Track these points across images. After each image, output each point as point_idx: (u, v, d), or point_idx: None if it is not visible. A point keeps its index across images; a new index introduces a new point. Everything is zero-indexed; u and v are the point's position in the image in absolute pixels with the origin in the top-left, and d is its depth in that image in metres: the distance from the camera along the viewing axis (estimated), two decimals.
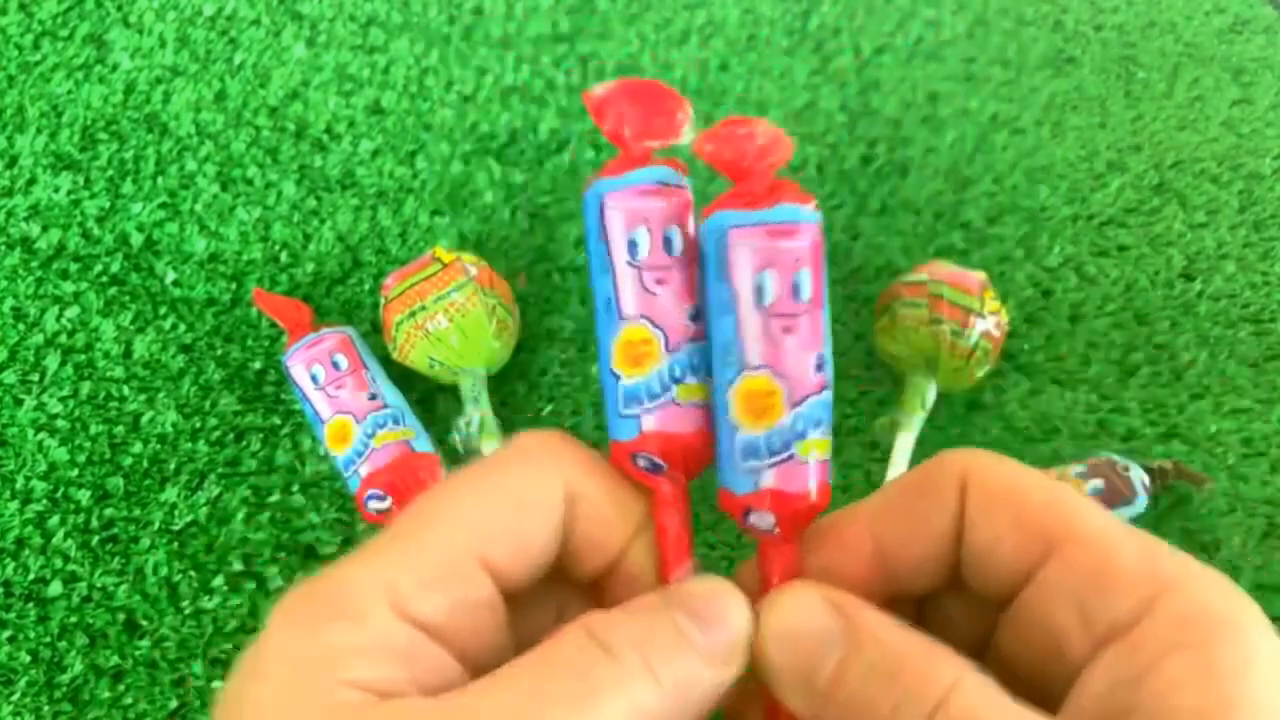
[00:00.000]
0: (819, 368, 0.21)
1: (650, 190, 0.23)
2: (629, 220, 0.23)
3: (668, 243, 0.23)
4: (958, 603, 0.23)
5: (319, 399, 0.40)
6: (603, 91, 0.25)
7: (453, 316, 0.41)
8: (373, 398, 0.40)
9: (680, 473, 0.22)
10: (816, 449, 0.22)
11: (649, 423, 0.22)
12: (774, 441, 0.21)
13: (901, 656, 0.19)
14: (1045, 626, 0.20)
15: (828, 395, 0.22)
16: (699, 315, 0.23)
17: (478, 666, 0.20)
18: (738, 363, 0.21)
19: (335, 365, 0.40)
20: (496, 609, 0.21)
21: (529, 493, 0.21)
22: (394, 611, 0.19)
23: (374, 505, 0.38)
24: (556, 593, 0.23)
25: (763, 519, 0.22)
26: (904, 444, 0.41)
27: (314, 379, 0.40)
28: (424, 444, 0.39)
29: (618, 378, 0.22)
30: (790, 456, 0.21)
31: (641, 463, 0.22)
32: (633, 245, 0.23)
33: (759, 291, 0.21)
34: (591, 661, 0.19)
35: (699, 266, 0.22)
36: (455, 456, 0.42)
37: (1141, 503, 0.39)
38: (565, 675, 0.18)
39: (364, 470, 0.38)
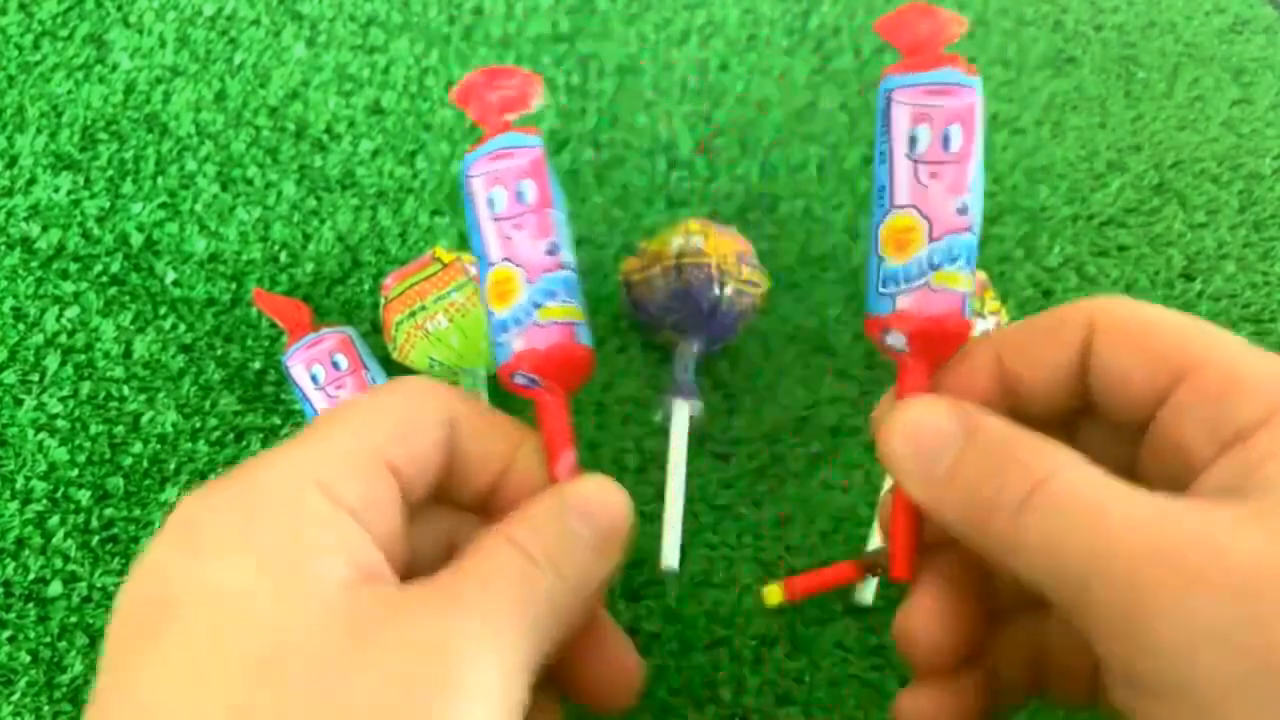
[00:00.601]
0: (962, 211, 0.25)
1: (502, 154, 0.28)
2: (487, 183, 0.28)
3: (519, 195, 0.28)
4: (1097, 432, 0.25)
5: (319, 399, 0.40)
6: (461, 84, 0.31)
7: (453, 316, 0.41)
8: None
9: (555, 383, 0.27)
10: (950, 281, 0.25)
11: (518, 344, 0.27)
12: (911, 270, 0.25)
13: (1011, 444, 0.21)
14: (1176, 445, 0.21)
15: (969, 237, 0.25)
16: (554, 249, 0.28)
17: (390, 562, 0.22)
18: (888, 202, 0.25)
19: (335, 365, 0.40)
20: (399, 510, 0.23)
21: (417, 409, 0.24)
22: (324, 494, 0.21)
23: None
24: (447, 516, 0.26)
25: (896, 339, 0.25)
26: None
27: (314, 379, 0.40)
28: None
29: (490, 313, 0.28)
30: (925, 284, 0.25)
31: (520, 380, 0.27)
32: (490, 202, 0.28)
33: (912, 142, 0.25)
34: (523, 569, 0.22)
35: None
36: None
37: None
38: (510, 580, 0.22)
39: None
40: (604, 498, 0.24)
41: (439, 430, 0.24)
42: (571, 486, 0.24)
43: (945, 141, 0.25)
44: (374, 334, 0.45)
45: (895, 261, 0.25)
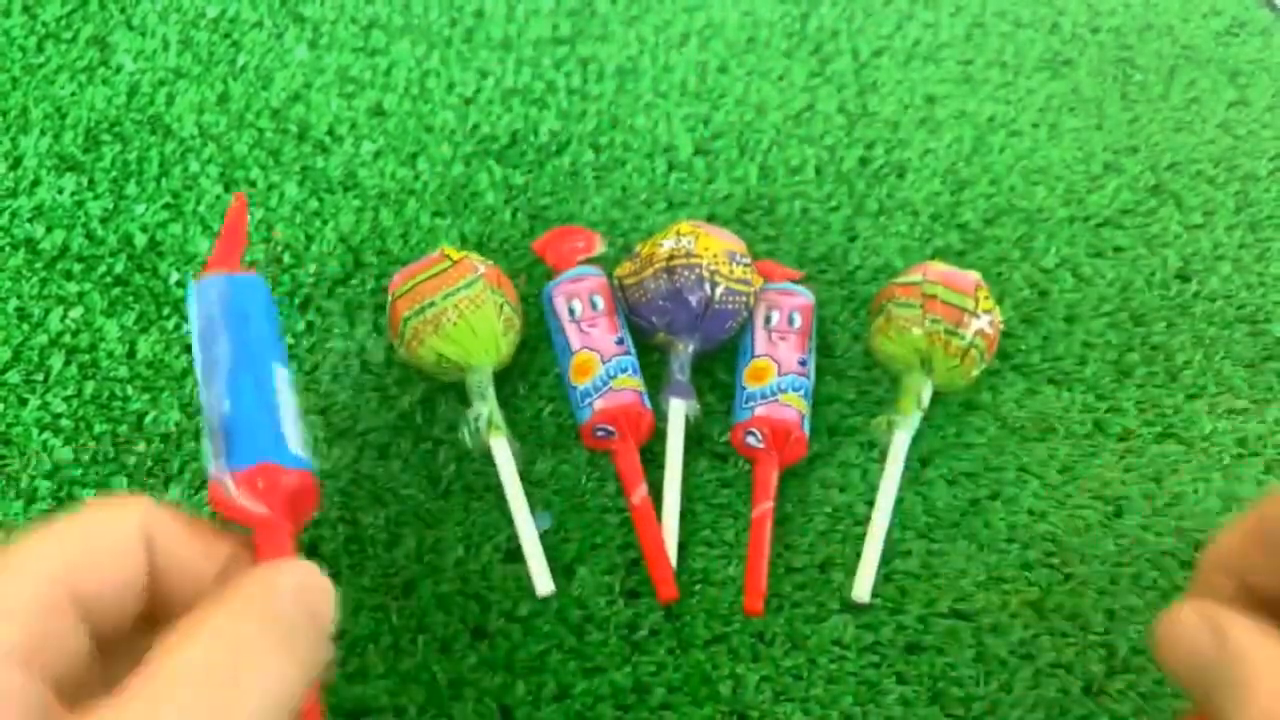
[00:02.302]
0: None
1: (576, 279, 0.44)
2: (567, 297, 0.44)
3: (592, 304, 0.43)
4: None
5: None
6: (540, 242, 0.47)
7: (463, 313, 0.41)
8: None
9: (626, 433, 0.36)
10: None
11: (599, 404, 0.40)
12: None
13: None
14: None
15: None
16: (621, 341, 0.43)
17: (75, 700, 0.20)
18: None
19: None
20: (80, 641, 0.21)
21: (102, 528, 0.22)
22: None
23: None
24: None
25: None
26: (900, 443, 0.42)
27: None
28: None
29: (573, 388, 0.37)
30: None
31: (599, 433, 0.37)
32: (570, 310, 0.43)
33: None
34: (202, 670, 0.19)
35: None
36: (463, 453, 0.42)
37: None
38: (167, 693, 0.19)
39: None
40: (305, 574, 0.22)
41: (130, 549, 0.22)
42: (273, 566, 0.22)
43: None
44: (375, 335, 0.45)
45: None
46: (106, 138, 0.51)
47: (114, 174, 0.50)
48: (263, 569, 0.22)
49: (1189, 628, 0.24)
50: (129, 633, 0.23)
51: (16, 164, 0.50)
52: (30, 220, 0.48)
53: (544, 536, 0.40)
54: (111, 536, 0.22)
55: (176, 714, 0.18)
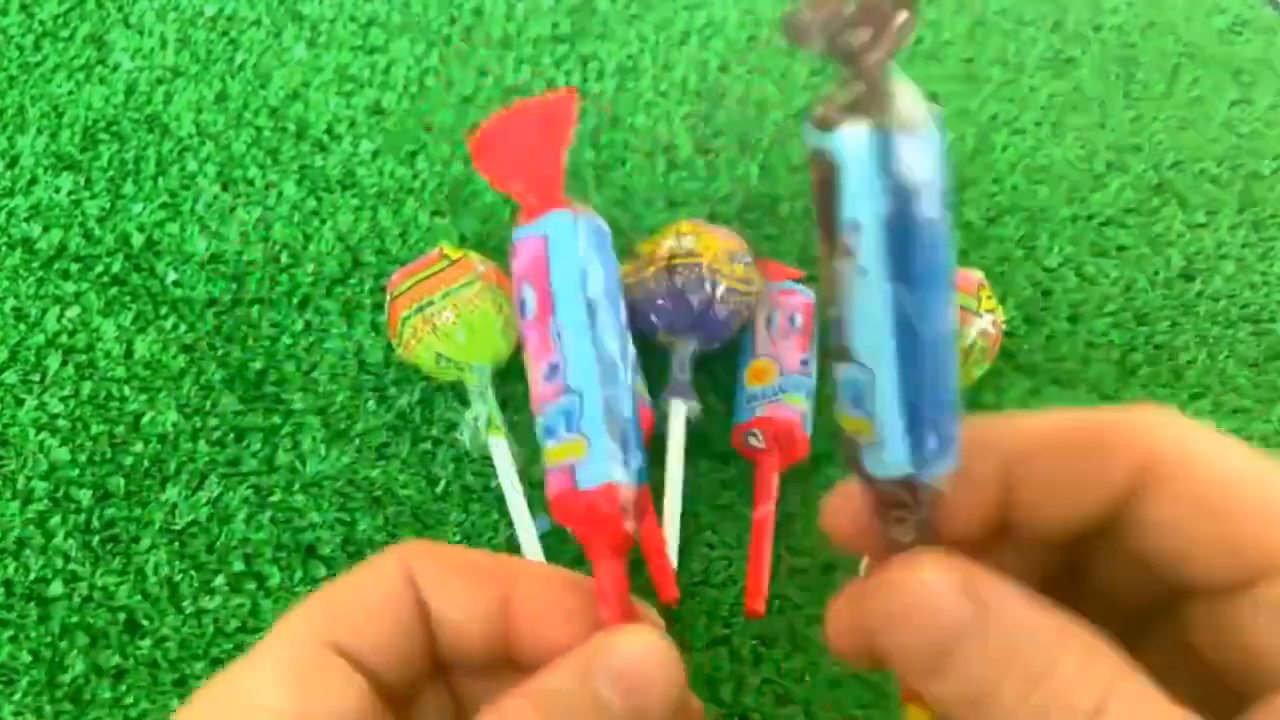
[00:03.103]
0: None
1: None
2: None
3: None
4: (1116, 564, 0.20)
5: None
6: None
7: (461, 312, 0.41)
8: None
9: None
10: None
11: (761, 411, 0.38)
12: None
13: (1042, 651, 0.16)
14: (1242, 640, 0.17)
15: None
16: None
17: None
18: None
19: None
20: (364, 698, 0.20)
21: (364, 578, 0.21)
22: (251, 711, 0.19)
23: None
24: (476, 684, 0.22)
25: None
26: None
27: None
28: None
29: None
30: None
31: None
32: None
33: None
34: None
35: None
36: (462, 453, 0.42)
37: None
38: None
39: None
40: (645, 659, 0.19)
41: (402, 603, 0.21)
42: (605, 643, 0.19)
43: None
44: (375, 335, 0.45)
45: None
46: (104, 136, 0.51)
47: (111, 173, 0.50)
48: (582, 654, 0.19)
49: (932, 593, 0.17)
50: (425, 684, 0.22)
51: (13, 163, 0.49)
52: (27, 219, 0.48)
53: (544, 538, 0.39)
54: (376, 591, 0.21)
55: None
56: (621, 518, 0.20)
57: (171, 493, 0.40)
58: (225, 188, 0.50)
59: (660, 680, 0.19)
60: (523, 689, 0.19)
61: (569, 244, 0.20)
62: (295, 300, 0.46)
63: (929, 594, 0.17)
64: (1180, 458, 0.18)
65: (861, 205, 0.15)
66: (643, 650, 0.19)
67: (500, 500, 0.40)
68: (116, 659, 0.37)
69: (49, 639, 0.37)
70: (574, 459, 0.20)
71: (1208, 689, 0.17)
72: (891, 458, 0.17)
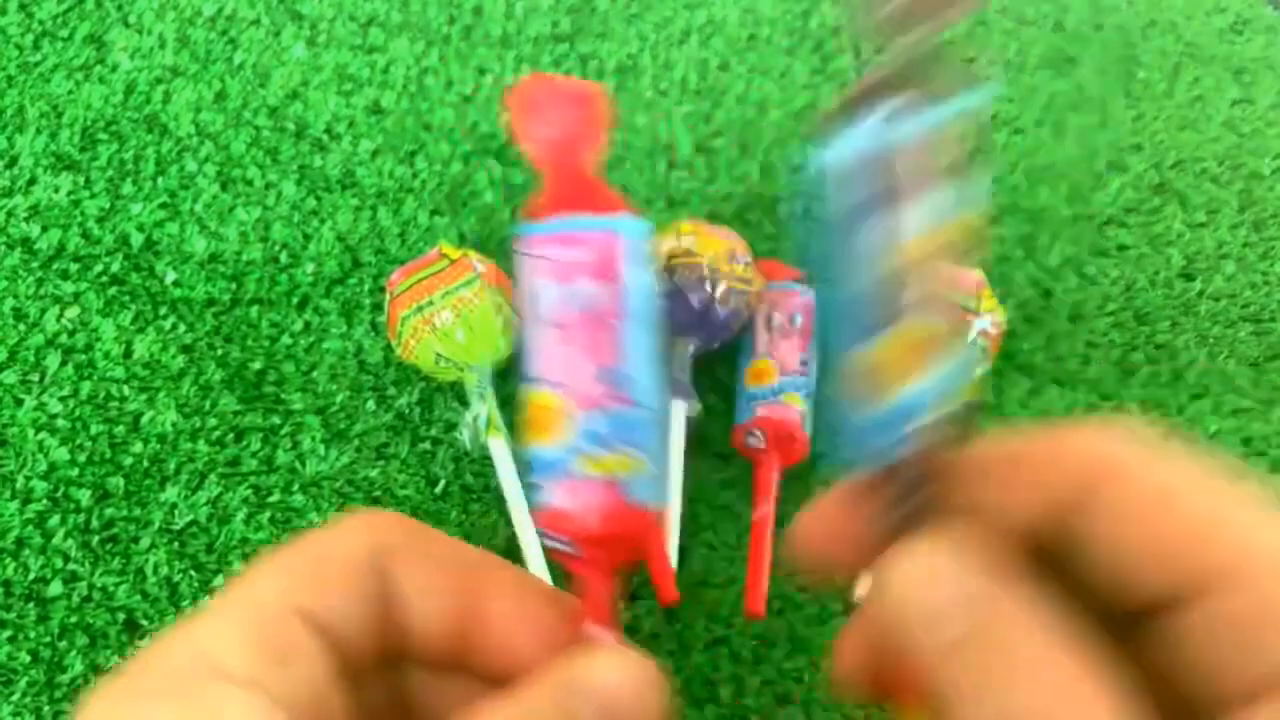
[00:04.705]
0: None
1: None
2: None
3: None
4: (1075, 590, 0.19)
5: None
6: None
7: (460, 312, 0.41)
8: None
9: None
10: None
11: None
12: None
13: (1023, 639, 0.16)
14: (1192, 658, 0.17)
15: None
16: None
17: None
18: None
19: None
20: (325, 669, 0.19)
21: (332, 547, 0.20)
22: (216, 677, 0.18)
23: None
24: (432, 678, 0.21)
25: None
26: None
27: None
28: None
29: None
30: None
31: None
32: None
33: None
34: None
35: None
36: (461, 453, 0.42)
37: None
38: None
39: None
40: (626, 681, 0.19)
41: (364, 568, 0.20)
42: (584, 666, 0.19)
43: None
44: (374, 335, 0.45)
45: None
46: (103, 136, 0.51)
47: (110, 173, 0.50)
48: (562, 675, 0.18)
49: (930, 571, 0.17)
50: (373, 670, 0.20)
51: (13, 163, 0.49)
52: (26, 219, 0.48)
53: (543, 538, 0.39)
54: (342, 555, 0.20)
55: None
56: (659, 541, 0.20)
57: (171, 493, 0.40)
58: (225, 188, 0.50)
59: (644, 710, 0.19)
60: (499, 705, 0.18)
61: (641, 251, 0.20)
62: (294, 300, 0.46)
63: (938, 566, 0.18)
64: (1120, 470, 0.17)
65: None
66: (626, 675, 0.19)
67: (500, 500, 0.40)
68: (116, 659, 0.37)
69: (48, 639, 0.37)
70: (624, 474, 0.20)
71: (1176, 714, 0.17)
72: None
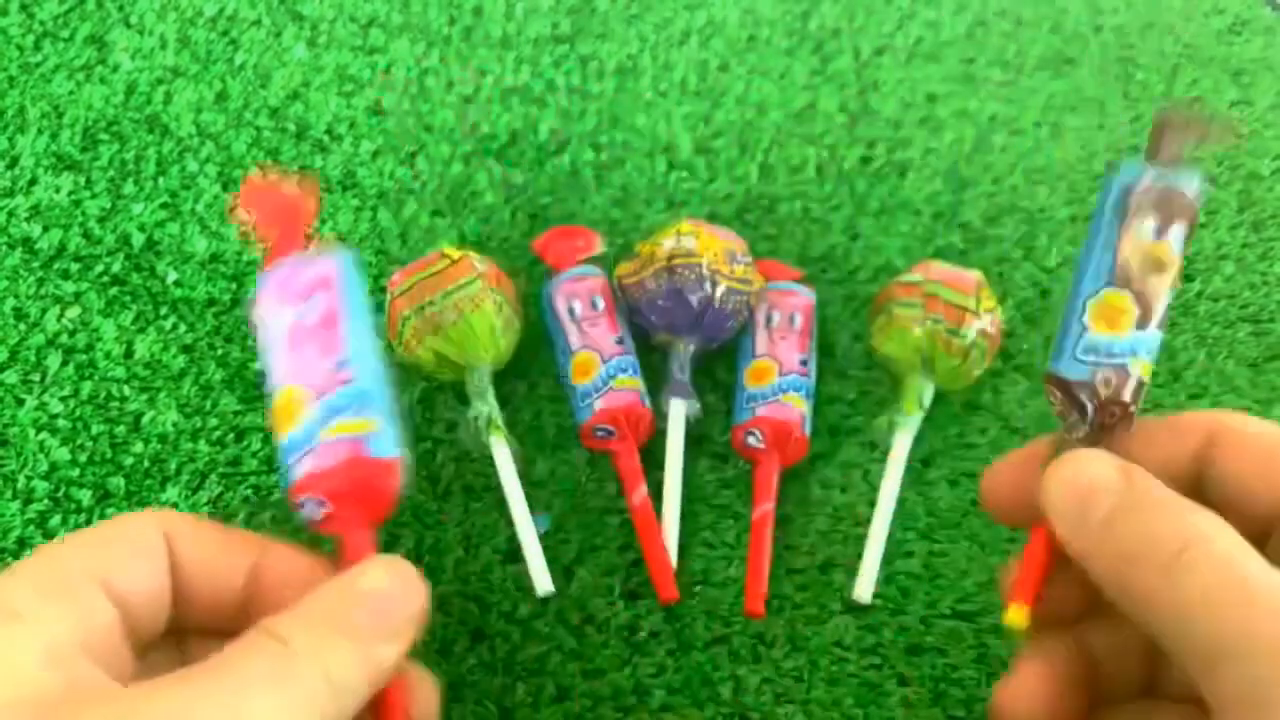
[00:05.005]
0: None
1: (576, 279, 0.44)
2: (568, 296, 0.43)
3: (593, 304, 0.43)
4: None
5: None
6: (540, 241, 0.46)
7: (462, 312, 0.41)
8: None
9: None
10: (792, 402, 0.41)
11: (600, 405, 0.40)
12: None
13: (1169, 503, 0.22)
14: None
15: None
16: (622, 340, 0.43)
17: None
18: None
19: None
20: (119, 638, 0.21)
21: (129, 526, 0.23)
22: (10, 619, 0.20)
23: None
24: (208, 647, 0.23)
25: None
26: (902, 444, 0.41)
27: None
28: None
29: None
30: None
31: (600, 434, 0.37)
32: (570, 310, 0.43)
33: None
34: (277, 667, 0.20)
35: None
36: (462, 453, 0.42)
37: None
38: (239, 670, 0.19)
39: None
40: (393, 582, 0.22)
41: (157, 551, 0.23)
42: (353, 576, 0.22)
43: None
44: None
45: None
46: (104, 137, 0.51)
47: (111, 173, 0.50)
48: (345, 578, 0.22)
49: (1095, 465, 0.24)
50: (161, 643, 0.24)
51: (14, 163, 0.50)
52: (27, 219, 0.48)
53: (544, 537, 0.39)
54: (136, 538, 0.23)
55: (236, 694, 0.19)
56: (398, 490, 0.25)
57: (171, 493, 0.40)
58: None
59: (408, 606, 0.22)
60: (280, 619, 0.21)
61: (354, 274, 0.27)
62: None
63: (1090, 459, 0.24)
64: (1234, 425, 0.24)
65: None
66: (393, 577, 0.23)
67: (501, 500, 0.40)
68: None
69: None
70: (363, 433, 0.24)
71: None
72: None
